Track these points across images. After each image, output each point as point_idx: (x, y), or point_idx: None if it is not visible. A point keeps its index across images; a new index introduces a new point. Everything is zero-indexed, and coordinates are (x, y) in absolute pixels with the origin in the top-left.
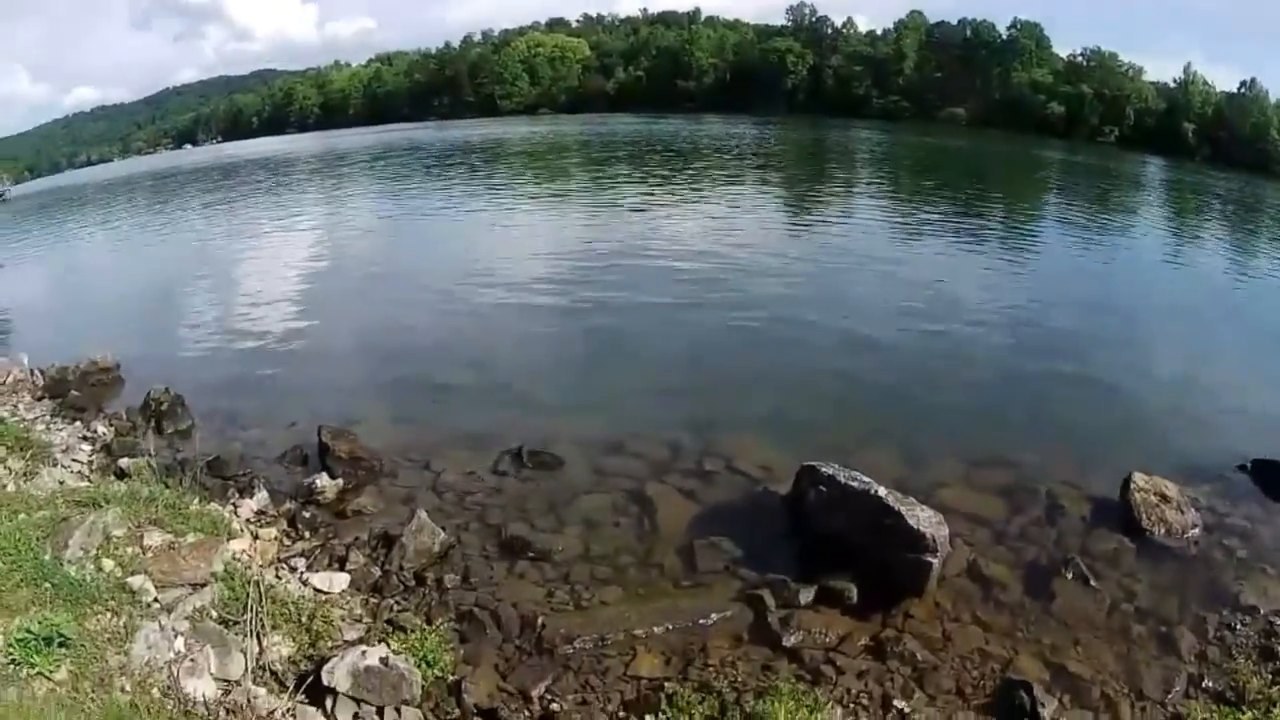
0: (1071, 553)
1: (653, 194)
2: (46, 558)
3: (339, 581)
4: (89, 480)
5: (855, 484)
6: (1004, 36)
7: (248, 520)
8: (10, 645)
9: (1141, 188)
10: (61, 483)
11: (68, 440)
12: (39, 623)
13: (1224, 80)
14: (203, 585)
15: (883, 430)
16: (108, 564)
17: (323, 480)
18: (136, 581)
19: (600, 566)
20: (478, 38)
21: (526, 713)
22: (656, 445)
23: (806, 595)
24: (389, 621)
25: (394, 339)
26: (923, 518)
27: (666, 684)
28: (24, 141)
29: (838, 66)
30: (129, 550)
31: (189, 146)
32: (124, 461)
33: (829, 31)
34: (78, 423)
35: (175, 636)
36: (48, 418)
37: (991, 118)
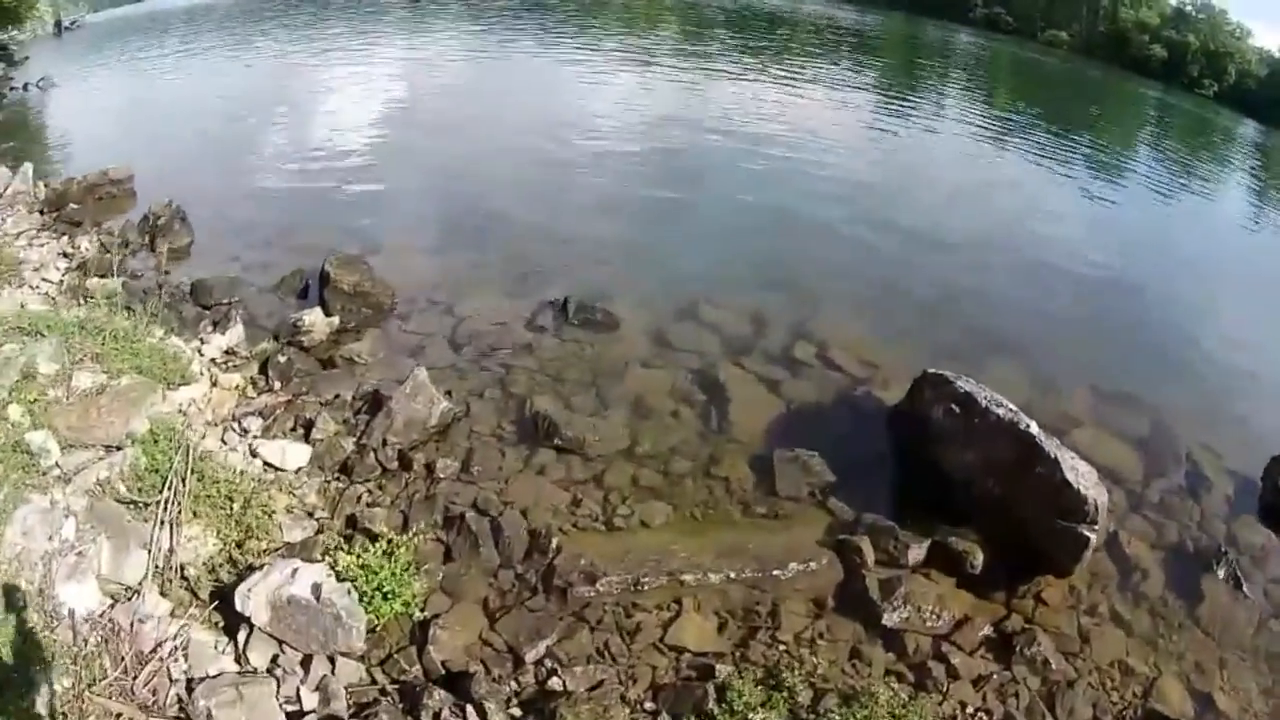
0: (1220, 542)
1: (747, 67)
2: None
3: (296, 455)
4: (52, 304)
5: (1001, 411)
6: None
7: (212, 361)
8: None
9: (1242, 146)
10: (23, 305)
11: (45, 257)
12: None
13: None
14: (116, 449)
15: (1003, 343)
16: (14, 411)
17: (312, 316)
18: (36, 439)
19: (647, 471)
20: None
21: (512, 685)
22: (736, 317)
23: (917, 552)
24: (350, 521)
25: (444, 171)
26: (1083, 472)
27: (718, 665)
28: None
29: None
30: (51, 394)
31: None
32: (91, 282)
33: None
34: (65, 238)
35: (66, 518)
36: (34, 232)
37: (1092, 48)
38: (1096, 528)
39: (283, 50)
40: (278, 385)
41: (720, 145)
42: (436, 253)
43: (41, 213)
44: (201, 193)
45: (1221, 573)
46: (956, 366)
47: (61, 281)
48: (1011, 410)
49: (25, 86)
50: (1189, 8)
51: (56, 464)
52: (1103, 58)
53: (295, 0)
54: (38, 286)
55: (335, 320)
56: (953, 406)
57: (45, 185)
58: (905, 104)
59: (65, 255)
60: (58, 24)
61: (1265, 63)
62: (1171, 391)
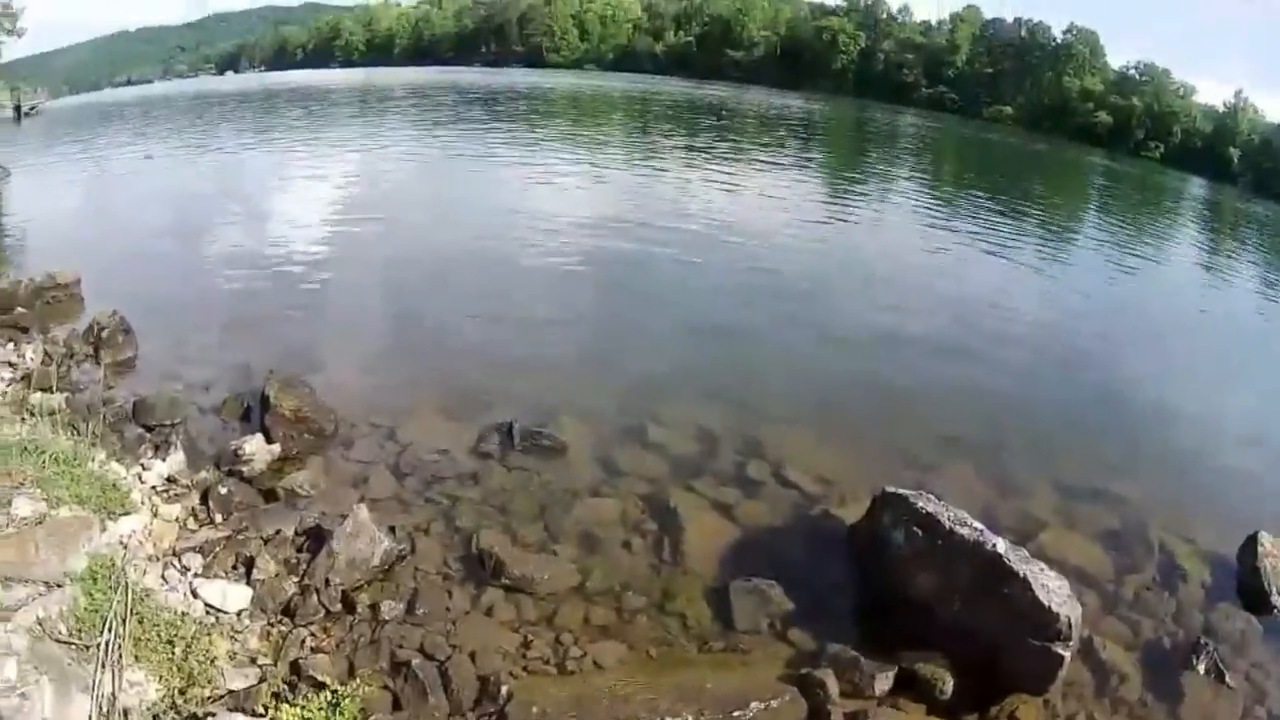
0: (1198, 633)
1: (694, 159)
2: None
3: (237, 597)
4: None
5: (965, 531)
6: (1058, 40)
7: (153, 489)
8: None
9: (1192, 205)
10: None
11: None
12: None
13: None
14: (56, 586)
15: (960, 445)
16: None
17: (253, 444)
18: None
19: (599, 608)
20: None
21: None
22: (685, 435)
23: (884, 682)
24: (294, 667)
25: (389, 279)
26: (1054, 588)
27: None
28: (64, 57)
29: (889, 51)
30: None
31: (231, 74)
32: (34, 397)
33: (883, 16)
34: (11, 344)
35: (7, 658)
36: None
37: (1038, 120)
38: (1070, 644)
39: (233, 146)
40: (218, 518)
41: (665, 245)
42: (378, 370)
43: None
44: (148, 299)
45: (1202, 666)
46: (914, 474)
47: (5, 393)
48: (976, 529)
49: None
50: (1132, 71)
51: None
52: (1047, 129)
53: (244, 97)
54: None
55: (277, 448)
56: (914, 528)
57: None
58: (852, 192)
59: (10, 365)
60: (16, 109)
61: (1209, 118)
62: (1137, 477)
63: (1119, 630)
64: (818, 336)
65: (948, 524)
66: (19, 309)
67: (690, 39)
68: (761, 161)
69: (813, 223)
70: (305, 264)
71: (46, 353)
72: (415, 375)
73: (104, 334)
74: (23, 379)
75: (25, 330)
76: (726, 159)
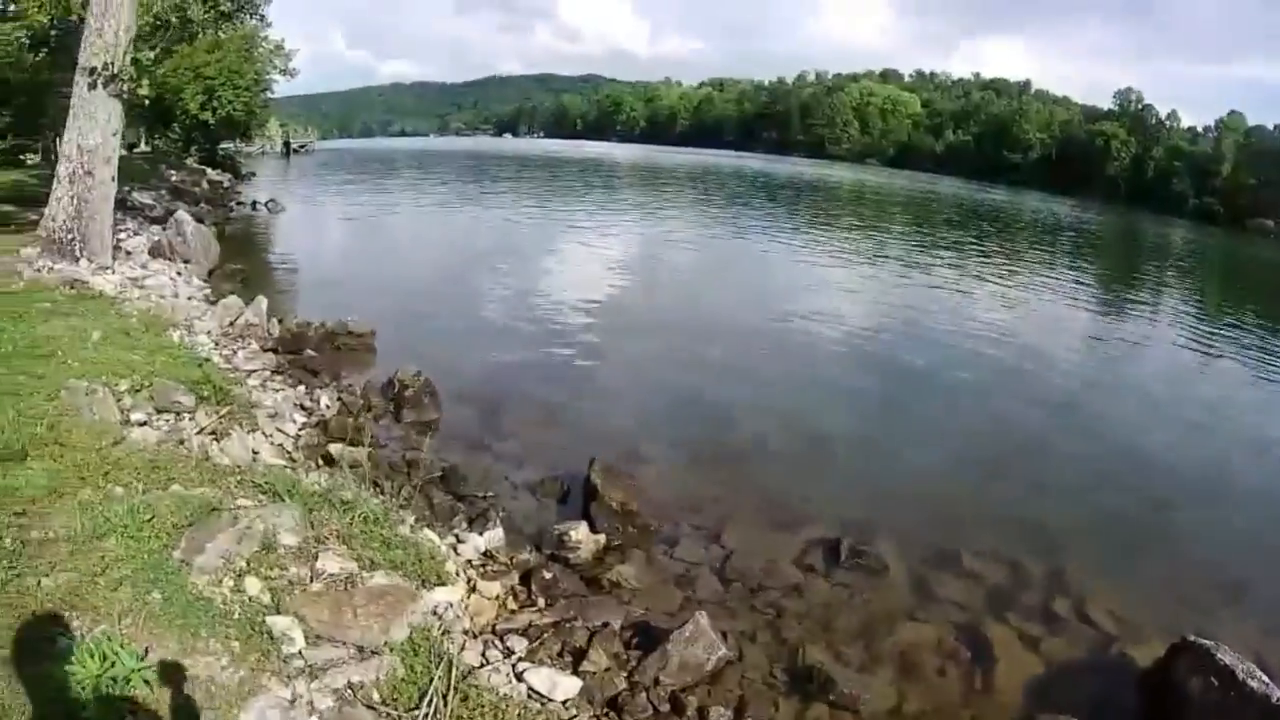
0: None
1: (965, 265)
2: (175, 554)
3: (566, 687)
4: (289, 460)
5: (1253, 683)
6: None
7: (468, 562)
8: (76, 661)
9: None
10: (255, 454)
11: (280, 405)
12: (110, 646)
13: None
14: (372, 654)
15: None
16: (252, 585)
17: (579, 532)
18: (280, 623)
19: None
20: (811, 77)
21: None
22: (996, 565)
23: None
24: None
25: (698, 372)
26: None
27: None
28: (335, 100)
29: (1158, 159)
30: (292, 571)
31: (509, 136)
32: (335, 447)
33: (1153, 121)
34: (301, 387)
35: (310, 717)
36: (267, 374)
37: None
38: None
39: (514, 209)
40: (541, 602)
41: (949, 352)
42: (696, 467)
43: (275, 352)
44: (444, 362)
45: None
46: (1208, 622)
47: (298, 437)
48: (1264, 682)
49: (254, 205)
50: None
51: (300, 654)
52: None
53: (524, 161)
54: (271, 436)
55: (601, 538)
56: (1211, 679)
57: (279, 323)
58: (1127, 306)
59: (303, 408)
60: (286, 145)
61: None
62: None
63: None
64: (1109, 462)
65: (1242, 676)
66: (308, 351)
67: (969, 138)
68: (1040, 273)
69: (1091, 339)
70: (604, 343)
71: (343, 402)
72: (733, 477)
73: (407, 392)
74: (318, 425)
75: (315, 374)
76: (1003, 266)
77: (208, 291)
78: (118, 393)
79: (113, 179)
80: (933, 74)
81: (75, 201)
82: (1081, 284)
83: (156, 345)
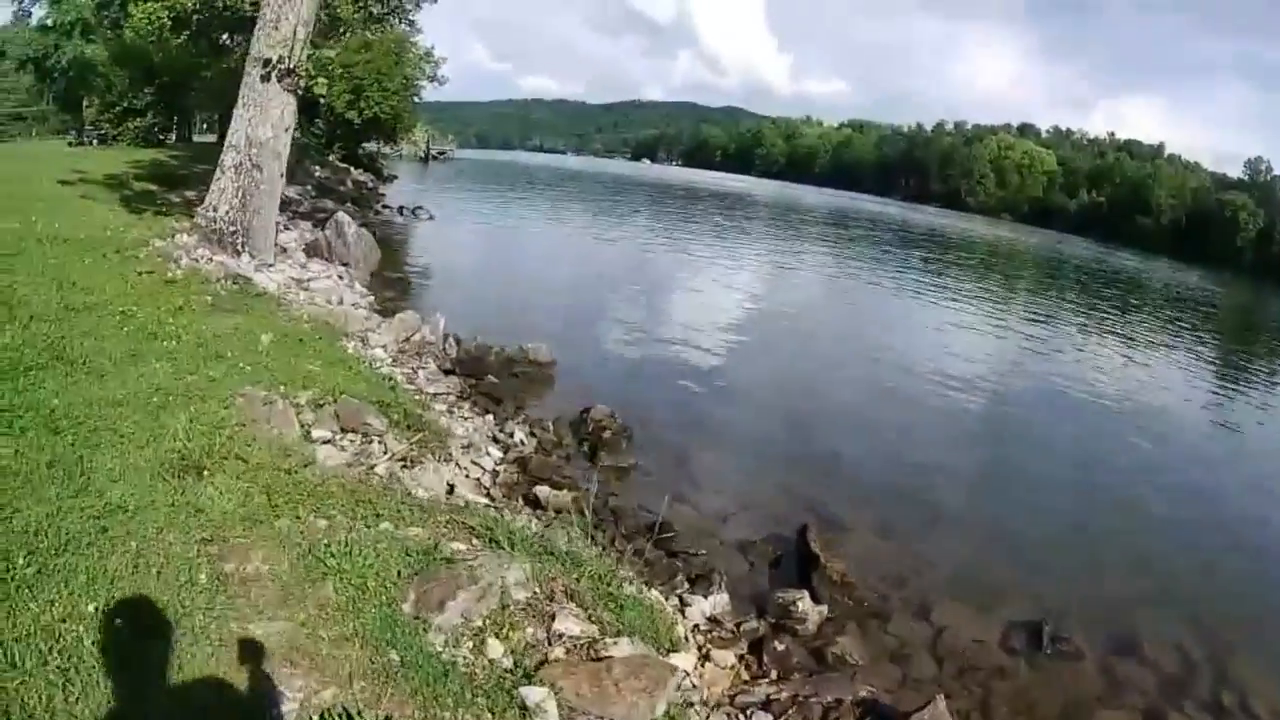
0: None
1: (1094, 332)
2: (404, 608)
3: None
4: (489, 499)
5: None
6: None
7: (695, 627)
8: None
9: None
10: (450, 489)
11: (472, 435)
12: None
13: None
14: None
15: None
16: (494, 648)
17: (805, 602)
18: (534, 695)
19: None
20: (949, 126)
21: None
22: (1170, 653)
23: None
24: None
25: (871, 432)
26: None
27: None
28: (475, 110)
29: None
30: (529, 632)
31: (647, 161)
32: (542, 491)
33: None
34: (489, 416)
35: None
36: (453, 398)
37: None
38: None
39: (657, 236)
40: (774, 674)
41: (1113, 420)
42: (890, 534)
43: (453, 373)
44: (621, 398)
45: None
46: None
47: (496, 473)
48: None
49: (400, 210)
50: None
51: None
52: None
53: (664, 191)
54: (467, 469)
55: (824, 609)
56: None
57: (457, 344)
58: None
59: (495, 440)
60: (426, 151)
61: None
62: None
63: None
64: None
65: None
66: (490, 377)
67: (1102, 200)
68: (1157, 343)
69: (1217, 422)
70: (775, 394)
71: (537, 438)
72: (930, 549)
73: (605, 434)
74: (515, 461)
75: (499, 402)
76: (1127, 337)
77: (371, 299)
78: (298, 405)
79: (281, 175)
80: (1069, 131)
81: (240, 194)
82: (1198, 358)
83: (333, 356)
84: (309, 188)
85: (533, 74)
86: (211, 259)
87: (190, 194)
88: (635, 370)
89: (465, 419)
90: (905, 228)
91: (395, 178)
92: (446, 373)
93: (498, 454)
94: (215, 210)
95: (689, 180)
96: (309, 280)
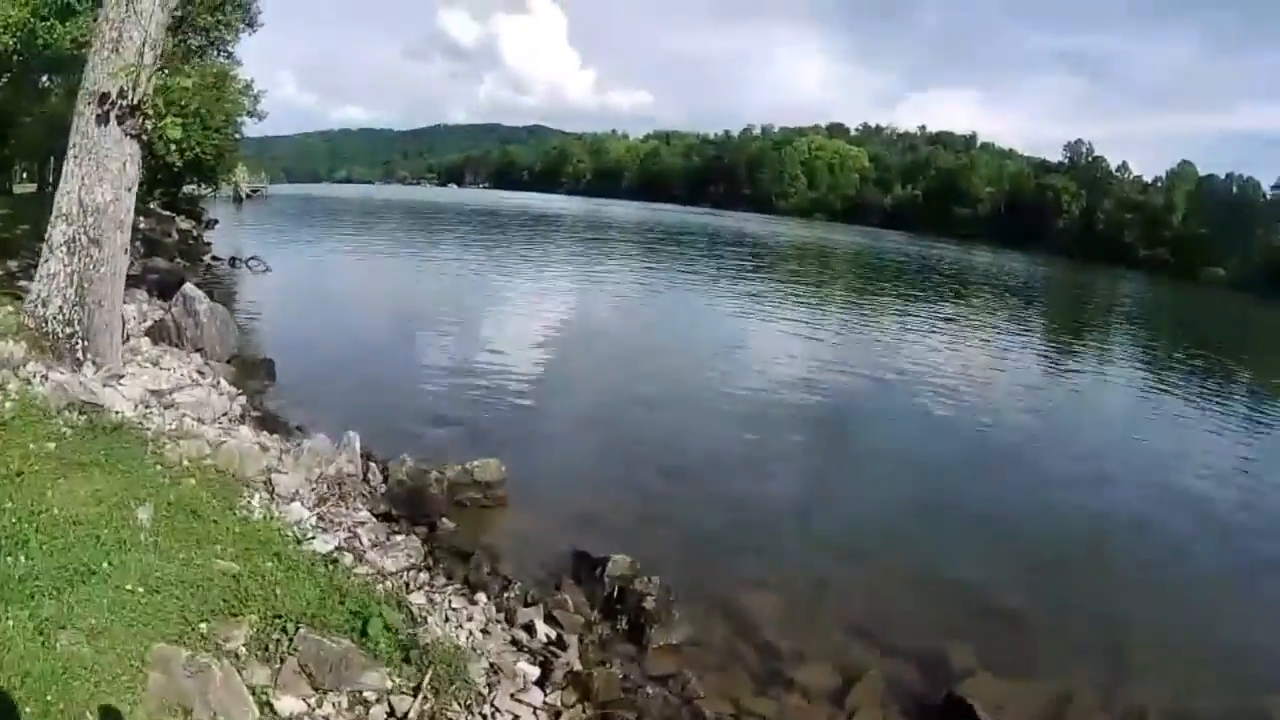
0: None
1: (916, 320)
2: None
3: None
4: None
5: None
6: (1267, 196)
7: None
8: None
9: None
10: None
11: (485, 645)
12: None
13: None
14: None
15: None
16: None
17: None
18: None
19: None
20: (757, 131)
21: None
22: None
23: None
24: None
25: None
26: None
27: None
28: (284, 144)
29: (1109, 211)
30: None
31: (454, 186)
32: None
33: (1102, 173)
34: (481, 600)
35: None
36: (417, 571)
37: (1251, 280)
38: None
39: (497, 266)
40: None
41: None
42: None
43: (390, 517)
44: (605, 521)
45: None
46: None
47: (558, 713)
48: None
49: (232, 262)
50: None
51: None
52: (1260, 289)
53: (473, 216)
54: (516, 716)
55: None
56: None
57: (383, 472)
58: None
59: (518, 647)
60: (236, 189)
61: None
62: None
63: None
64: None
65: None
66: (443, 519)
67: (918, 193)
68: (982, 327)
69: (1052, 404)
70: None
71: (560, 624)
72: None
73: (646, 603)
74: (567, 682)
75: (466, 558)
76: (950, 322)
77: (245, 401)
78: (238, 659)
79: (126, 251)
80: (879, 127)
81: (76, 281)
82: (1030, 336)
83: (246, 533)
84: (137, 244)
85: (342, 103)
86: (47, 376)
87: (12, 264)
88: (596, 467)
89: (454, 610)
90: (714, 234)
91: (216, 222)
92: (383, 518)
93: (534, 672)
94: (45, 306)
95: (497, 203)
96: (171, 391)
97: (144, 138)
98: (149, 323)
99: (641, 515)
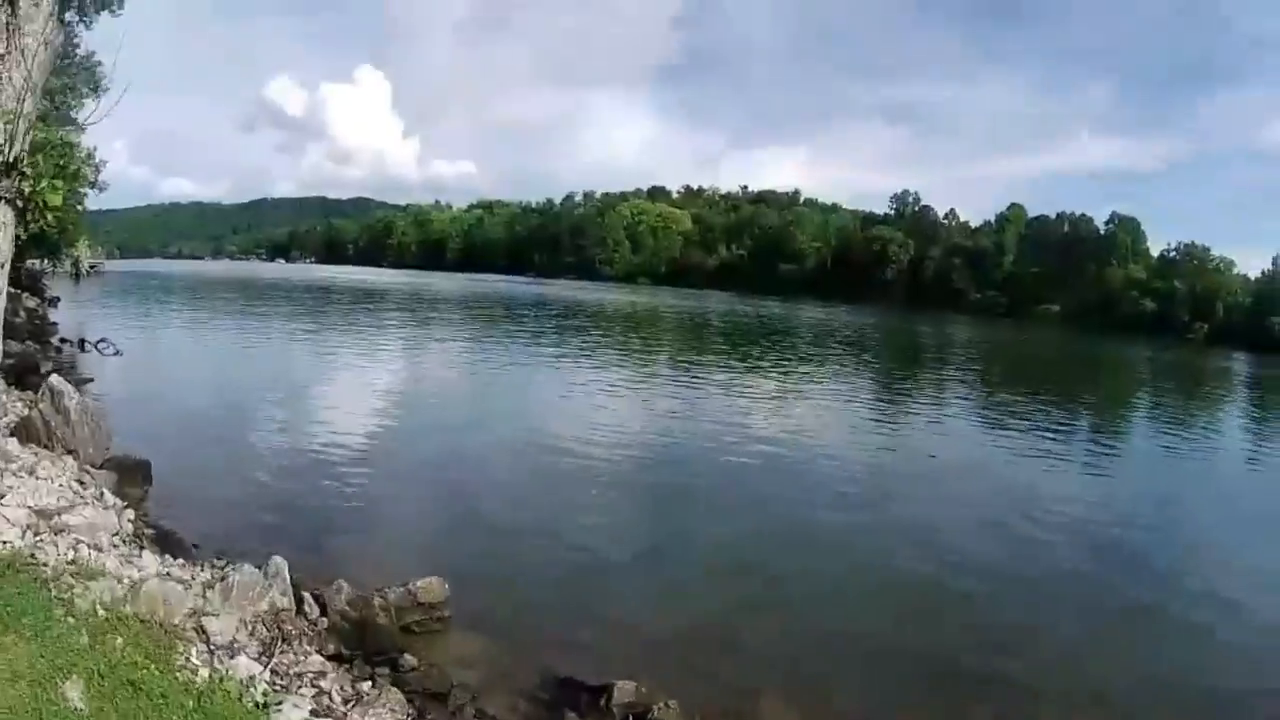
0: None
1: (743, 379)
2: None
3: None
4: None
5: None
6: (1100, 231)
7: None
8: None
9: (1239, 383)
10: None
11: None
12: None
13: None
14: None
15: None
16: None
17: None
18: None
19: None
20: (579, 197)
21: None
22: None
23: None
24: None
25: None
26: None
27: None
28: (115, 218)
29: (938, 259)
30: None
31: (281, 261)
32: None
33: (930, 221)
34: None
35: None
36: None
37: (1085, 314)
38: None
39: (338, 339)
40: None
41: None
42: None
43: (341, 658)
44: (555, 637)
45: None
46: None
47: None
48: None
49: (81, 345)
50: (1173, 254)
51: None
52: (1094, 322)
53: (302, 292)
54: None
55: None
56: None
57: (319, 605)
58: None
59: None
60: (75, 265)
61: (1248, 291)
62: None
63: None
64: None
65: None
66: (406, 655)
67: (743, 253)
68: (814, 381)
69: (873, 449)
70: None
71: None
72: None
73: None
74: None
75: (441, 698)
76: (778, 379)
77: (133, 515)
78: None
79: None
80: (701, 189)
81: None
82: (858, 388)
83: (200, 708)
84: None
85: (173, 175)
86: None
87: None
88: (529, 572)
89: None
90: (534, 300)
91: (59, 299)
92: (334, 659)
93: None
94: None
95: (326, 278)
96: (59, 511)
97: (19, 203)
98: (9, 418)
99: (597, 618)
